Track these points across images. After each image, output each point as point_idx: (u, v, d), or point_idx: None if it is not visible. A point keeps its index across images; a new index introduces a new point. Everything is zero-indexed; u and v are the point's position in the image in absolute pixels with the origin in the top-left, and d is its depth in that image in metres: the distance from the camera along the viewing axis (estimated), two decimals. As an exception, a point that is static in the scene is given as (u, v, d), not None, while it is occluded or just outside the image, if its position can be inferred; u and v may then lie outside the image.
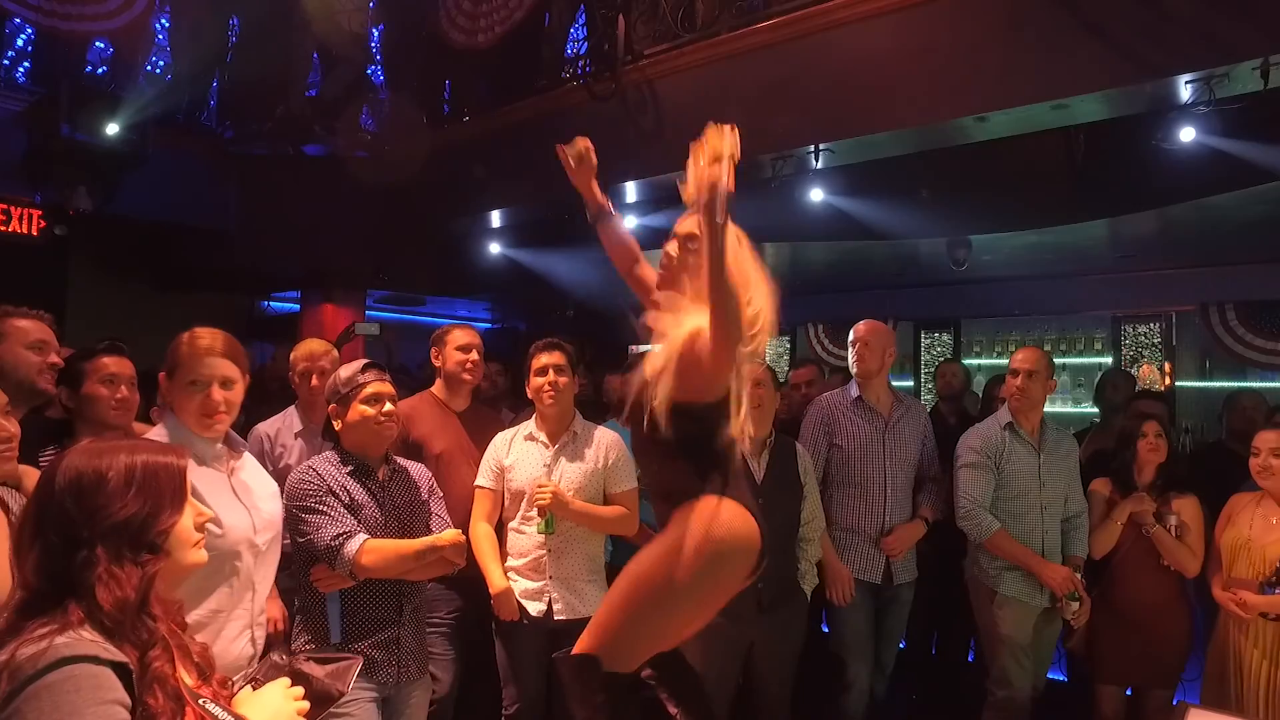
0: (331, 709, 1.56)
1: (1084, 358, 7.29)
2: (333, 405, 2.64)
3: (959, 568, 3.83)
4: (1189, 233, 5.74)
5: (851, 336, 3.83)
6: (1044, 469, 3.61)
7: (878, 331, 3.81)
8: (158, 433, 2.24)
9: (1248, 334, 6.44)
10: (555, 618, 3.11)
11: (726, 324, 1.90)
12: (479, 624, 3.30)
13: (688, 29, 5.22)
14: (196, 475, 1.44)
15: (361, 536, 2.48)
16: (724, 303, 1.89)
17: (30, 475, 2.03)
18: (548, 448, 3.23)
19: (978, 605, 3.70)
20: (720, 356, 1.94)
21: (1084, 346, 7.32)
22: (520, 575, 3.17)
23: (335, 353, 3.74)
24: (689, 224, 2.21)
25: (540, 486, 3.07)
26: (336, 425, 2.64)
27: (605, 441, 3.25)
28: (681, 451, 2.08)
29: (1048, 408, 3.78)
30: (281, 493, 2.61)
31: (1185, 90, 3.74)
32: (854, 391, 3.82)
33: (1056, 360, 6.15)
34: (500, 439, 3.30)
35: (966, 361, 7.42)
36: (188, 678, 1.34)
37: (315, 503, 2.50)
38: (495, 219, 6.70)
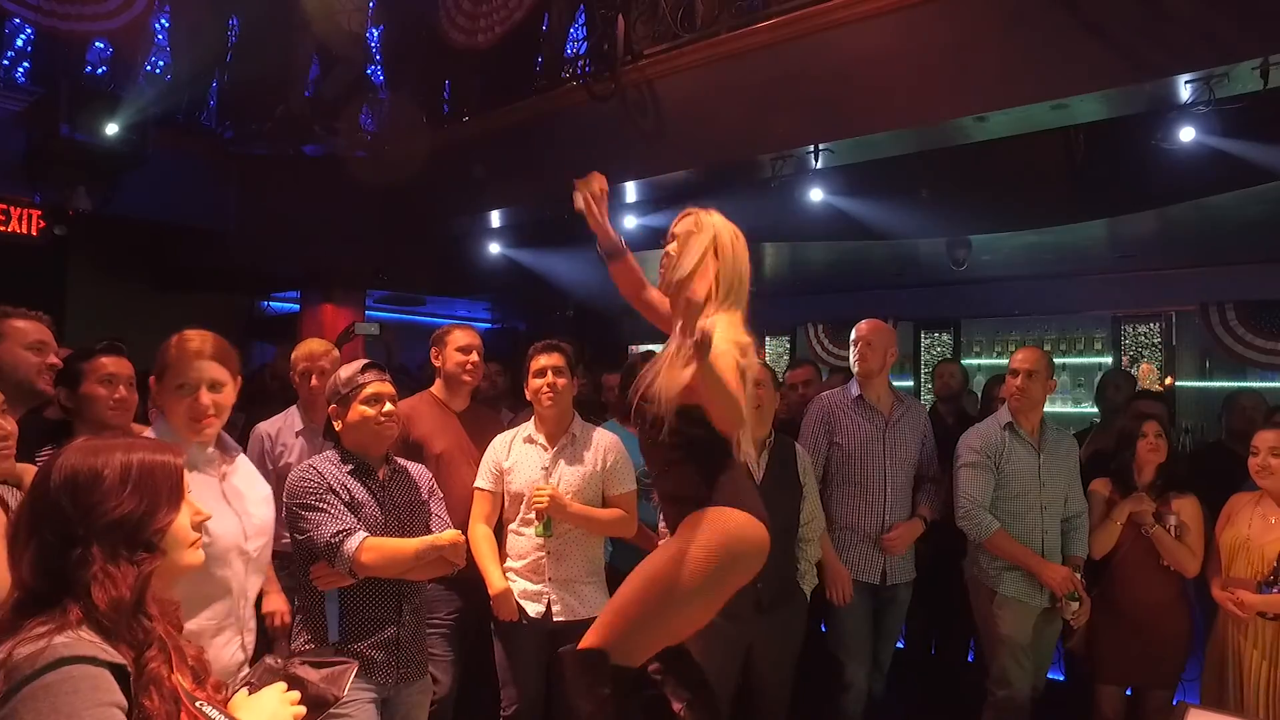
0: (330, 711, 1.55)
1: (1084, 358, 7.29)
2: (333, 406, 2.64)
3: (958, 568, 3.83)
4: (1189, 233, 5.73)
5: (854, 335, 3.83)
6: (1044, 469, 3.60)
7: (880, 331, 3.81)
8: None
9: (1248, 334, 6.44)
10: (554, 619, 3.11)
11: (732, 421, 2.05)
12: (478, 625, 3.30)
13: (687, 29, 5.21)
14: (187, 480, 1.43)
15: (361, 534, 2.47)
16: (729, 412, 2.01)
17: (30, 473, 2.02)
18: (546, 450, 3.23)
19: (977, 605, 3.69)
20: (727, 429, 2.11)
21: (1084, 346, 7.32)
22: (519, 577, 3.17)
23: (335, 352, 3.74)
24: (686, 223, 2.24)
25: (538, 490, 3.06)
26: (337, 426, 2.64)
27: (604, 444, 3.25)
28: (688, 455, 2.11)
29: (1048, 408, 3.78)
30: (281, 491, 2.61)
31: (1185, 90, 3.73)
32: (854, 390, 3.82)
33: (1056, 360, 6.15)
34: (499, 441, 3.30)
35: (966, 361, 7.42)
36: (183, 680, 1.33)
37: (316, 500, 2.50)
38: (495, 219, 6.70)
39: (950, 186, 5.20)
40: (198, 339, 2.21)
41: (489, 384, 4.77)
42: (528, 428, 3.29)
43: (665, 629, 2.11)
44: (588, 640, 2.12)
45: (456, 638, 3.30)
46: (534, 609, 3.12)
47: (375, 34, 7.50)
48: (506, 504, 3.23)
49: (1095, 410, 5.54)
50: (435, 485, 2.84)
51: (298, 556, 2.61)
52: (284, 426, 3.61)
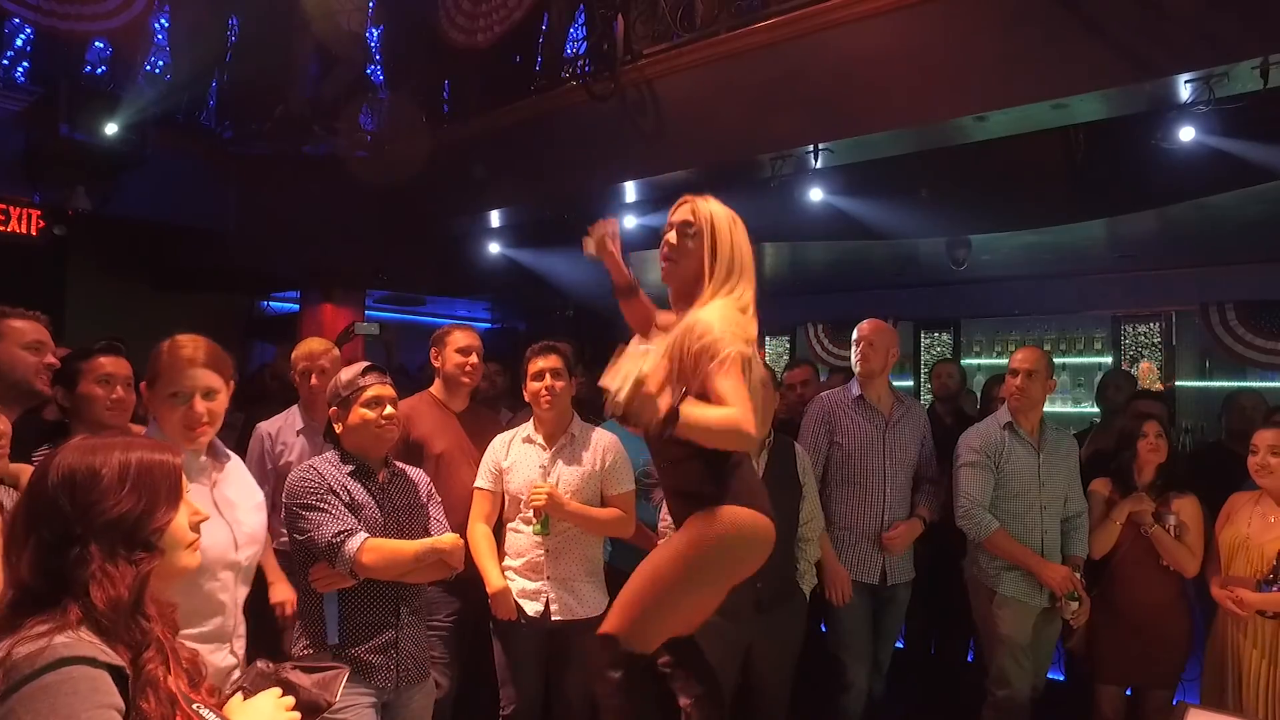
0: (327, 715, 1.55)
1: (1084, 358, 7.28)
2: (334, 408, 2.64)
3: (958, 568, 3.83)
4: (1189, 232, 5.73)
5: (855, 335, 3.83)
6: (1043, 469, 3.60)
7: (881, 331, 3.81)
8: None
9: (1247, 334, 6.43)
10: (552, 618, 3.11)
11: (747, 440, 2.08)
12: (477, 626, 3.30)
13: (687, 28, 5.21)
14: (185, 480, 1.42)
15: (362, 535, 2.47)
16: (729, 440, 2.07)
17: (26, 473, 2.02)
18: (545, 450, 3.23)
19: (977, 605, 3.69)
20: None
21: (1084, 346, 7.31)
22: (518, 575, 3.17)
23: (335, 351, 3.75)
24: (683, 211, 2.30)
25: (536, 487, 3.07)
26: (337, 428, 2.64)
27: (603, 444, 3.25)
28: (696, 450, 2.12)
29: (1048, 408, 3.78)
30: (280, 491, 2.60)
31: (1185, 89, 3.73)
32: (855, 390, 3.82)
33: (1056, 360, 6.15)
34: (499, 441, 3.30)
35: (966, 361, 7.42)
36: (180, 683, 1.32)
37: (316, 500, 2.49)
38: (495, 219, 6.69)
39: (950, 186, 5.20)
40: (190, 345, 2.18)
41: (488, 384, 4.77)
42: (527, 428, 3.30)
43: (675, 615, 2.20)
44: (604, 626, 2.22)
45: (456, 639, 3.30)
46: (532, 608, 3.12)
47: (375, 34, 7.50)
48: (505, 504, 3.23)
49: (1095, 410, 5.54)
50: (434, 490, 2.84)
51: (296, 558, 2.60)
52: (285, 426, 3.61)
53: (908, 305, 7.73)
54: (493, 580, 3.10)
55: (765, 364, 3.75)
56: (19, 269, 6.07)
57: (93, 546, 1.27)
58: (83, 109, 5.76)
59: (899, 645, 4.14)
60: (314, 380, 3.58)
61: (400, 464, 2.80)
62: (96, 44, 6.36)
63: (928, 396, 6.87)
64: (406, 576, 2.56)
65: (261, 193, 6.92)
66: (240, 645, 2.20)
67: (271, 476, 3.43)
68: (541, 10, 6.04)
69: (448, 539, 2.60)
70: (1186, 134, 4.06)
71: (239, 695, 1.45)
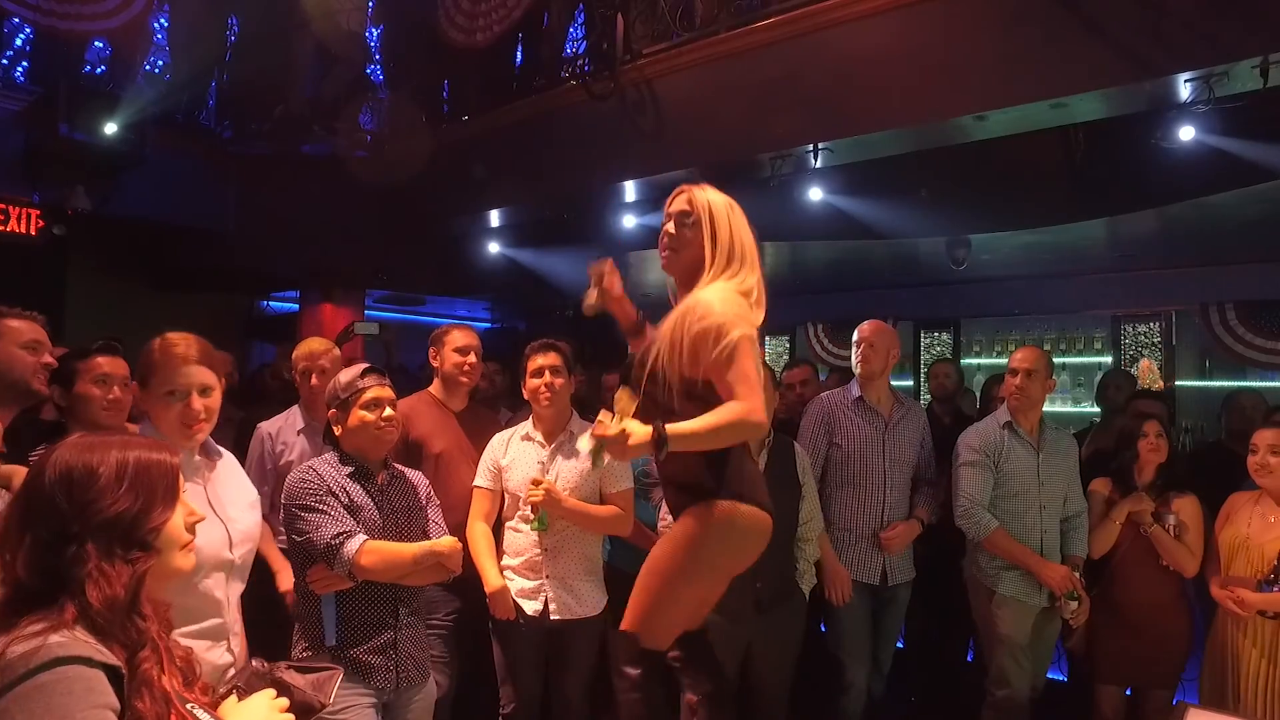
0: (326, 716, 1.54)
1: (1084, 357, 7.28)
2: (333, 410, 2.64)
3: (958, 568, 3.82)
4: (1189, 232, 5.73)
5: (856, 337, 3.82)
6: (1043, 468, 3.60)
7: (882, 332, 3.80)
8: None
9: (1247, 333, 6.43)
10: (551, 617, 3.11)
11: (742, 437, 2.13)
12: (477, 625, 3.29)
13: (686, 28, 5.21)
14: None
15: (361, 537, 2.47)
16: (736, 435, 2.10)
17: (19, 475, 2.01)
18: (544, 447, 3.23)
19: (976, 605, 3.69)
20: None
21: (1084, 346, 7.31)
22: (516, 574, 3.17)
23: (335, 351, 3.74)
24: (680, 201, 2.31)
25: (534, 484, 3.07)
26: (337, 430, 2.63)
27: (602, 442, 3.24)
28: None
29: (1048, 407, 3.78)
30: (279, 491, 2.59)
31: (1184, 89, 3.73)
32: (855, 391, 3.81)
33: (1056, 360, 6.15)
34: (498, 439, 3.30)
35: (966, 361, 7.42)
36: (174, 683, 1.32)
37: (315, 501, 2.49)
38: (495, 219, 6.69)
39: (950, 186, 5.20)
40: (183, 343, 2.17)
41: (488, 384, 4.77)
42: (525, 425, 3.30)
43: (677, 608, 2.22)
44: (623, 624, 2.25)
45: (455, 638, 3.29)
46: (531, 607, 3.12)
47: (375, 34, 7.49)
48: (505, 502, 3.23)
49: (1095, 410, 5.53)
50: (433, 492, 2.84)
51: (295, 559, 2.60)
52: (285, 425, 3.61)
53: (908, 305, 7.73)
54: (491, 580, 3.10)
55: (765, 364, 3.75)
56: (18, 269, 6.07)
57: (89, 545, 1.27)
58: (82, 109, 5.76)
59: (899, 645, 4.13)
60: (314, 380, 3.58)
61: (399, 466, 2.79)
62: (96, 44, 6.36)
63: (927, 397, 6.88)
64: (405, 579, 2.56)
65: (261, 192, 6.92)
66: (237, 643, 2.20)
67: (272, 476, 3.43)
68: (541, 10, 6.04)
69: (446, 542, 2.60)
70: (1186, 133, 4.06)
71: (234, 695, 1.44)
